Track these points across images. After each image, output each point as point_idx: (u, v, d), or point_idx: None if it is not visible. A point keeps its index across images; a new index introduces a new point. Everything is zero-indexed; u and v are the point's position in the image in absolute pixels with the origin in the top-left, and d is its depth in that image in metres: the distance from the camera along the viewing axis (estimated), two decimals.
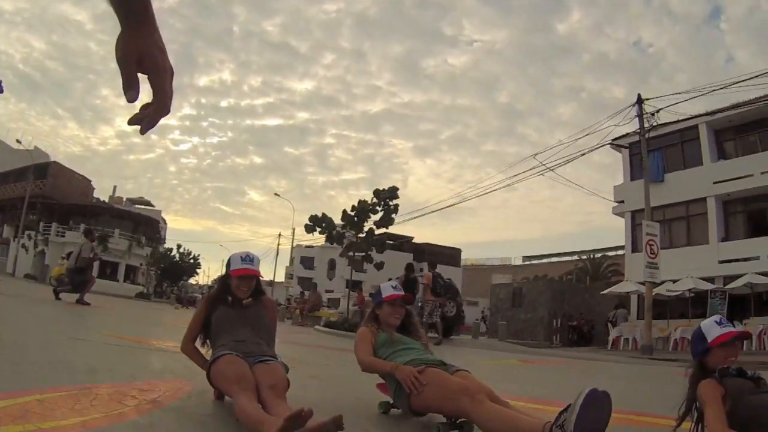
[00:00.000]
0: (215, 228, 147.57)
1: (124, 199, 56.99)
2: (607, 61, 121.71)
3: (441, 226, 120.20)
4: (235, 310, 3.15)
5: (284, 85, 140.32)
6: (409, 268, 14.82)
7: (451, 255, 62.56)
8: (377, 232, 20.49)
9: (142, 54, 1.07)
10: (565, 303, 23.05)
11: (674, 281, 20.68)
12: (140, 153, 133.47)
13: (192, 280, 60.85)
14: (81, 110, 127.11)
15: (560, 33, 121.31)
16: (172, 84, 1.15)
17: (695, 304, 20.85)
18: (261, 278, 3.35)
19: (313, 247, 54.04)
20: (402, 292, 3.48)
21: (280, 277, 52.03)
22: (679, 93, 18.37)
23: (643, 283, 20.33)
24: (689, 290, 20.16)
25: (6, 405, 2.27)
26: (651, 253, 17.47)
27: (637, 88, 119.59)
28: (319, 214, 20.68)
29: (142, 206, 56.00)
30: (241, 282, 3.17)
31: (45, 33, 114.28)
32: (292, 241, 53.36)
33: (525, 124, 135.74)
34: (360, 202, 19.56)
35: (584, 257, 56.29)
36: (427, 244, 62.17)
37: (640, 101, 19.08)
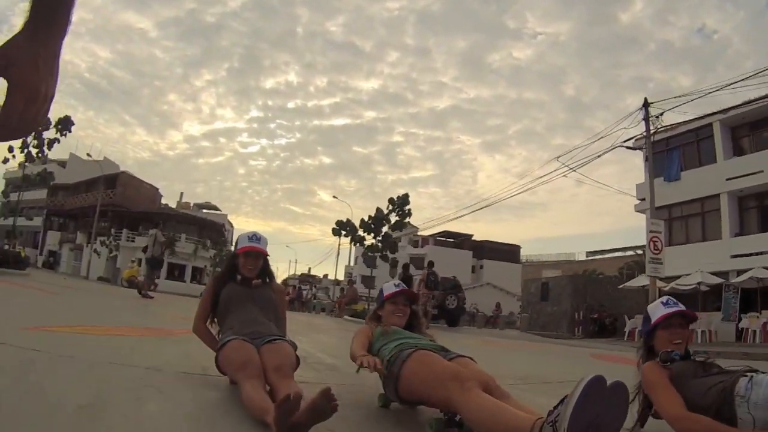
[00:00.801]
0: (285, 229, 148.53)
1: (192, 204, 60.62)
2: (673, 49, 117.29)
3: (512, 222, 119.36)
4: (243, 288, 3.22)
5: (350, 85, 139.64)
6: (406, 267, 17.34)
7: (510, 251, 63.98)
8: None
9: (12, 55, 0.98)
10: (588, 296, 24.45)
11: (689, 275, 21.94)
12: (209, 157, 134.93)
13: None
14: (149, 116, 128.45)
15: (623, 23, 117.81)
16: (38, 109, 1.01)
17: (711, 297, 21.97)
18: (268, 257, 3.41)
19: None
20: (404, 287, 3.35)
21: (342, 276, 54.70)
22: (681, 96, 19.57)
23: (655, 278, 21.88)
24: (698, 284, 21.30)
25: (96, 329, 4.72)
26: (655, 249, 18.80)
27: (704, 77, 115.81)
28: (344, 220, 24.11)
29: (209, 211, 59.56)
30: (246, 259, 3.24)
31: (110, 42, 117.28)
32: (351, 241, 56.30)
33: (593, 117, 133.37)
34: (377, 210, 22.48)
35: (639, 252, 56.13)
36: (487, 241, 63.81)
37: (646, 105, 20.43)
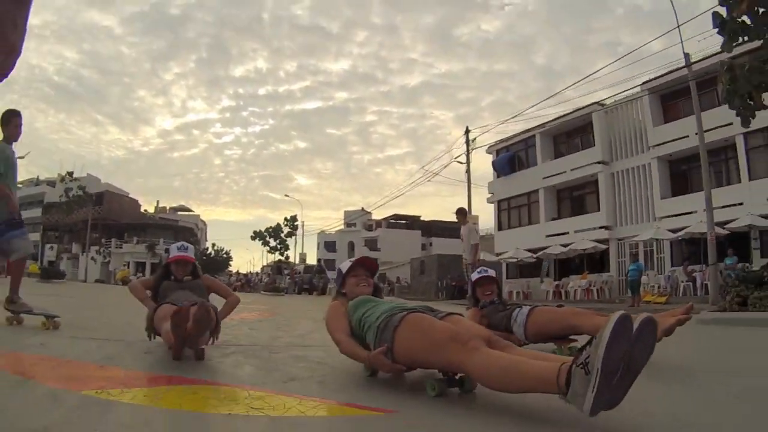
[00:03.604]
0: (265, 216, 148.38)
1: (168, 209, 68.32)
2: (642, 13, 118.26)
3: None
4: (177, 282, 3.81)
5: (320, 67, 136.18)
6: (319, 261, 26.38)
7: (456, 230, 69.45)
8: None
9: None
10: (451, 270, 32.14)
11: (509, 251, 30.09)
12: (184, 150, 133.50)
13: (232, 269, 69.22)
14: (120, 114, 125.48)
15: None
16: (10, 63, 1.09)
17: (537, 267, 29.81)
18: (196, 263, 4.00)
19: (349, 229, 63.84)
20: (359, 258, 3.36)
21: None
22: (486, 124, 27.26)
23: (498, 254, 30.09)
24: (516, 258, 29.26)
25: None
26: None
27: (672, 40, 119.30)
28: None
29: (184, 213, 67.58)
30: (177, 266, 3.84)
31: (75, 42, 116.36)
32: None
33: (565, 84, 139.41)
34: (277, 224, 33.58)
35: None
36: (434, 221, 69.53)
37: (467, 132, 28.16)
